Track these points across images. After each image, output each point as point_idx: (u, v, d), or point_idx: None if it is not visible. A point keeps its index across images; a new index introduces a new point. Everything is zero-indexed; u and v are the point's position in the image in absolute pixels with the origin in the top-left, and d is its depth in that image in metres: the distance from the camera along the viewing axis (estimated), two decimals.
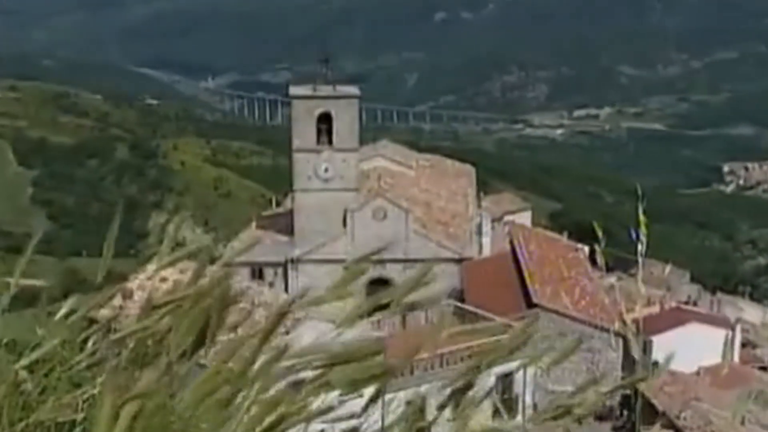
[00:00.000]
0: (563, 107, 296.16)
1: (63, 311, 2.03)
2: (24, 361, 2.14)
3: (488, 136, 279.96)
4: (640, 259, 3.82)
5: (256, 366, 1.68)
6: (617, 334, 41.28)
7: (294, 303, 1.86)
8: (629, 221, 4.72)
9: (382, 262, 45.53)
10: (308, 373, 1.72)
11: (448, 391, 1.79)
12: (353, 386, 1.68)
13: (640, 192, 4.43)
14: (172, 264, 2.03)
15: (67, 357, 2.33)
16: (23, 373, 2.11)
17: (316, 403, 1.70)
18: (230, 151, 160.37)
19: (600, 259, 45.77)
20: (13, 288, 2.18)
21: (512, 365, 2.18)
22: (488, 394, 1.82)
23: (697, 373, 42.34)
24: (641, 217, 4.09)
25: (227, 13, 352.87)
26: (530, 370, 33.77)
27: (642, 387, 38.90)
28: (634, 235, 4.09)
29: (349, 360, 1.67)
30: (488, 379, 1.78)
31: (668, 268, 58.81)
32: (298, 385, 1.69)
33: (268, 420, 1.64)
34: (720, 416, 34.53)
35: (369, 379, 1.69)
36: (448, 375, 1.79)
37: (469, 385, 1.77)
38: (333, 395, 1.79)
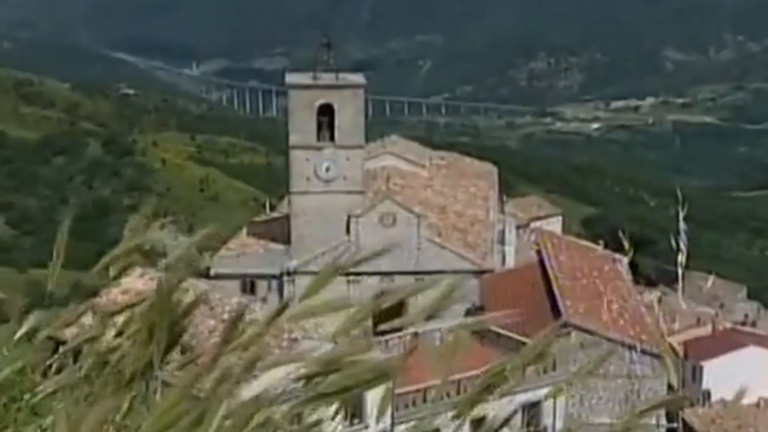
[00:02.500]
0: (599, 98, 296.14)
1: (23, 329, 2.03)
2: None
3: (512, 131, 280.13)
4: (680, 271, 3.83)
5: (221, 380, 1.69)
6: (661, 357, 41.19)
7: (282, 313, 1.87)
8: (674, 228, 4.73)
9: (389, 274, 45.57)
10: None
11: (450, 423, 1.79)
12: (344, 393, 1.69)
13: (681, 196, 4.45)
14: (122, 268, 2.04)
15: (29, 384, 2.32)
16: None
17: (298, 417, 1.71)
18: (218, 147, 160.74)
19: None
20: None
21: (539, 393, 2.18)
22: (504, 424, 1.81)
23: (757, 404, 42.18)
24: (681, 225, 4.11)
25: None
26: (560, 399, 33.75)
27: (692, 419, 38.84)
28: (674, 245, 4.11)
29: (335, 366, 1.68)
30: (507, 408, 1.77)
31: (711, 280, 58.59)
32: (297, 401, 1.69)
33: None
34: None
35: (361, 384, 1.70)
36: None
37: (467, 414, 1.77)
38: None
